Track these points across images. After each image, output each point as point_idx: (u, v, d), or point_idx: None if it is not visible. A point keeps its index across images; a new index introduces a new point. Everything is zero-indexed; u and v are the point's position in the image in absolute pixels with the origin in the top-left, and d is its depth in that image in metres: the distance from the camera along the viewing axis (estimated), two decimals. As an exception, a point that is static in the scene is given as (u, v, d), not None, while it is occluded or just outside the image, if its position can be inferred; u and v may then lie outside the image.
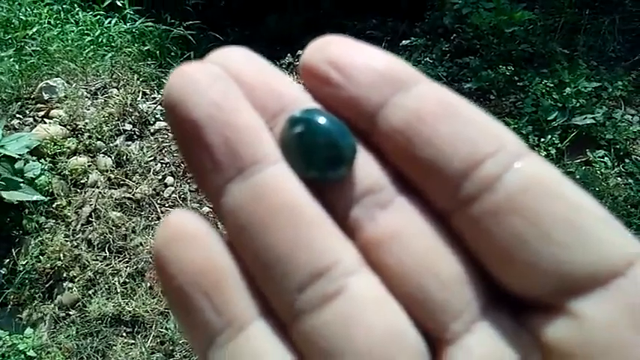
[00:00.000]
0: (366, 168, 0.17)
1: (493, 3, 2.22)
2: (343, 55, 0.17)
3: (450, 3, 2.36)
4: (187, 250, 0.16)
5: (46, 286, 1.59)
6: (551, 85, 1.94)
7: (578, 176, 1.70)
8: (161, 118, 1.93)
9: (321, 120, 0.16)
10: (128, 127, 1.89)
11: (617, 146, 1.79)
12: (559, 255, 0.14)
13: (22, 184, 1.53)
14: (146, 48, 2.27)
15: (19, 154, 1.61)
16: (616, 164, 1.75)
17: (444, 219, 0.16)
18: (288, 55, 2.35)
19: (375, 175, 0.17)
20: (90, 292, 1.58)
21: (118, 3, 2.41)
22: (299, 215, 0.16)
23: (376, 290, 0.15)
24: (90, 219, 1.68)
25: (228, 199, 0.16)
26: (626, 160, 1.76)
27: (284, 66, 2.32)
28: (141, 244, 1.63)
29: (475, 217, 0.15)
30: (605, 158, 1.75)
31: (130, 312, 1.53)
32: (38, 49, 2.14)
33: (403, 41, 2.46)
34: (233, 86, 0.17)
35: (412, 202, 0.16)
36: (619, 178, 1.72)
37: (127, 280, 1.59)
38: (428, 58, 2.34)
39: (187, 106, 0.16)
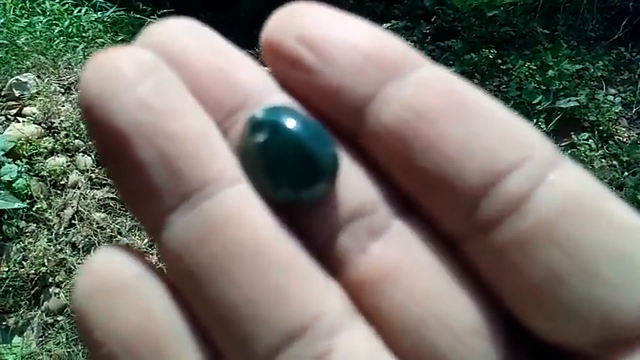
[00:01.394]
0: (352, 183, 0.13)
1: (473, -16, 2.20)
2: (318, 28, 0.13)
3: (429, -16, 2.34)
4: (117, 305, 0.12)
5: (32, 292, 1.55)
6: (534, 67, 1.94)
7: (564, 159, 1.72)
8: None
9: (291, 123, 0.13)
10: (107, 123, 1.83)
11: (601, 127, 1.81)
12: (606, 297, 0.11)
13: (0, 190, 1.47)
14: (120, 38, 2.19)
15: (-6, 158, 1.54)
16: (600, 146, 1.77)
17: (454, 247, 0.13)
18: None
19: (364, 192, 0.13)
20: (77, 296, 1.54)
21: (87, -11, 2.31)
22: (267, 254, 0.12)
23: (371, 349, 0.12)
24: (73, 221, 1.63)
25: (169, 235, 0.12)
26: (610, 142, 1.78)
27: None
28: (127, 245, 1.60)
29: (496, 247, 0.12)
30: (590, 140, 1.77)
31: (120, 315, 1.51)
32: (5, 42, 2.04)
33: (383, 24, 2.43)
34: (170, 78, 0.13)
35: (413, 226, 0.13)
36: (603, 160, 1.74)
37: (116, 283, 1.56)
38: (409, 41, 2.32)
39: (107, 109, 0.12)
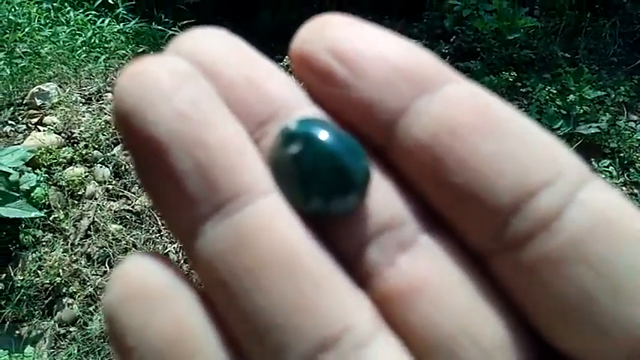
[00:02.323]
0: (382, 196, 0.13)
1: (494, 5, 2.19)
2: (349, 40, 0.13)
3: (449, 4, 2.33)
4: (150, 313, 0.12)
5: (45, 302, 1.55)
6: (555, 91, 1.93)
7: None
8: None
9: (324, 135, 0.13)
10: (126, 135, 1.84)
11: (622, 155, 1.79)
12: (636, 316, 0.11)
13: (18, 199, 1.48)
14: (141, 50, 2.22)
15: (14, 167, 1.55)
16: (620, 173, 1.75)
17: (482, 262, 0.12)
18: (287, 56, 2.32)
19: (394, 205, 0.13)
20: (91, 308, 1.54)
21: (110, 1, 2.34)
22: (299, 266, 0.12)
23: None
24: (89, 232, 1.64)
25: (203, 244, 0.12)
26: (631, 170, 1.76)
27: (282, 66, 2.29)
28: (158, 253, 1.60)
29: (526, 265, 0.12)
30: (610, 167, 1.75)
31: (132, 329, 1.50)
32: (29, 50, 2.07)
33: (402, 42, 2.43)
34: (206, 88, 0.13)
35: (440, 240, 0.13)
36: (624, 188, 1.72)
37: (129, 296, 1.56)
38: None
39: (144, 119, 0.12)
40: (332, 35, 0.13)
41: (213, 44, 0.14)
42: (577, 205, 0.12)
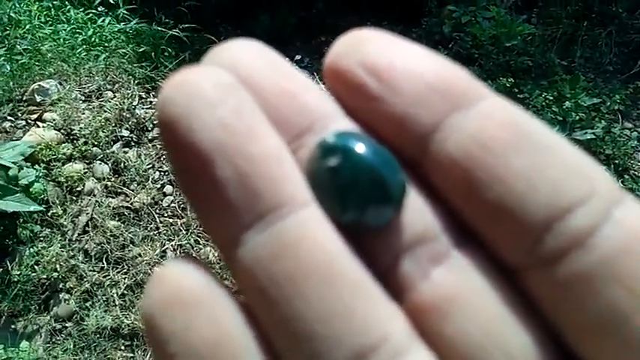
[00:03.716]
0: (416, 210, 0.13)
1: (492, 12, 2.22)
2: (383, 55, 0.13)
3: (448, 11, 2.36)
4: (190, 319, 0.12)
5: (42, 297, 1.55)
6: (551, 98, 1.95)
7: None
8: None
9: (363, 149, 0.13)
10: (125, 133, 1.84)
11: (616, 161, 1.81)
12: None
13: (17, 193, 1.48)
14: (141, 49, 2.22)
15: (13, 162, 1.56)
16: (615, 180, 1.76)
17: (514, 277, 0.13)
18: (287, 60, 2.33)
19: (427, 219, 0.13)
20: (87, 304, 1.54)
21: (111, 0, 2.34)
22: (338, 275, 0.12)
23: None
24: (86, 228, 1.64)
25: (244, 252, 0.12)
26: (625, 176, 1.78)
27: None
28: (139, 254, 1.60)
29: (559, 281, 0.12)
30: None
31: (128, 325, 1.50)
32: (29, 48, 2.08)
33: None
34: (248, 99, 0.13)
35: (473, 254, 0.13)
36: (618, 194, 1.73)
37: (126, 292, 1.56)
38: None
39: (190, 128, 0.12)
40: (366, 50, 0.13)
41: (249, 56, 0.14)
42: (612, 223, 0.12)
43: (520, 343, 0.12)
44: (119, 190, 1.72)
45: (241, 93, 0.13)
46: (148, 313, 0.13)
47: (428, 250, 0.13)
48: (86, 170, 1.74)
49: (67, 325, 1.53)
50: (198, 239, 1.62)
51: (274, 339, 0.12)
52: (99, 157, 1.77)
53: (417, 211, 0.13)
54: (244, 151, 0.12)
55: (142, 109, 1.93)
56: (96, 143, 1.79)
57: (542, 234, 0.12)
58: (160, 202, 1.72)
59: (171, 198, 1.73)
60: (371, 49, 0.13)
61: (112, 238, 1.62)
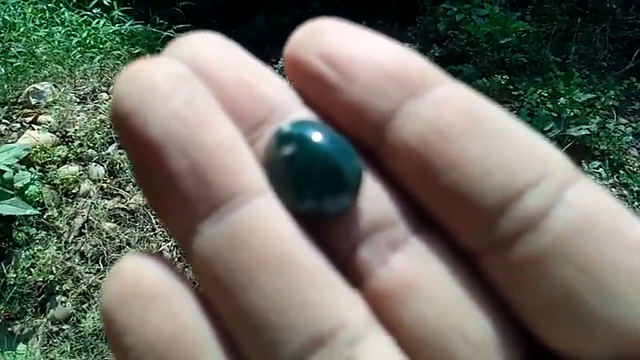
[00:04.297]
0: (373, 197, 0.13)
1: (486, 10, 2.22)
2: (341, 46, 0.13)
3: (443, 9, 2.36)
4: (148, 312, 0.12)
5: (38, 300, 1.55)
6: (546, 94, 1.95)
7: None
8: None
9: (318, 137, 0.13)
10: (120, 134, 1.84)
11: (611, 157, 1.81)
12: (622, 315, 0.11)
13: (13, 196, 1.48)
14: (136, 51, 2.22)
15: (8, 165, 1.55)
16: (610, 175, 1.77)
17: (471, 261, 0.13)
18: (281, 59, 2.33)
19: (385, 206, 0.13)
20: (84, 306, 1.54)
21: (106, 2, 2.34)
22: (293, 264, 0.12)
23: (392, 358, 0.12)
24: (82, 230, 1.64)
25: (200, 243, 0.12)
26: (620, 171, 1.78)
27: (276, 70, 2.30)
28: (155, 253, 1.60)
29: (513, 264, 0.12)
30: (600, 169, 1.77)
31: (125, 326, 1.50)
32: (24, 50, 2.07)
33: (396, 46, 2.45)
34: (202, 90, 0.13)
35: (430, 240, 0.13)
36: (613, 189, 1.74)
37: (122, 294, 1.55)
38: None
39: (141, 119, 0.12)
40: (324, 40, 0.14)
41: (208, 48, 0.14)
42: (564, 204, 0.12)
43: (478, 326, 0.12)
44: (115, 192, 1.72)
45: (194, 84, 0.13)
46: (105, 307, 0.13)
47: (386, 237, 0.13)
48: (81, 172, 1.74)
49: (63, 327, 1.53)
50: (195, 240, 1.62)
51: (232, 329, 0.12)
52: (94, 159, 1.77)
53: (374, 198, 0.13)
54: (197, 142, 0.12)
55: (137, 110, 1.93)
56: (91, 145, 1.79)
57: (496, 217, 0.12)
58: (155, 203, 1.71)
59: (167, 199, 1.72)
60: (329, 39, 0.14)
61: (108, 240, 1.62)
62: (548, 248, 0.12)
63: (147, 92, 0.12)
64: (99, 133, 1.81)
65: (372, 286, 0.13)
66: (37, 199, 1.63)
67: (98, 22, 2.28)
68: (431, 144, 0.13)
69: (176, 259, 1.54)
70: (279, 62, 2.32)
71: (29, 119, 1.86)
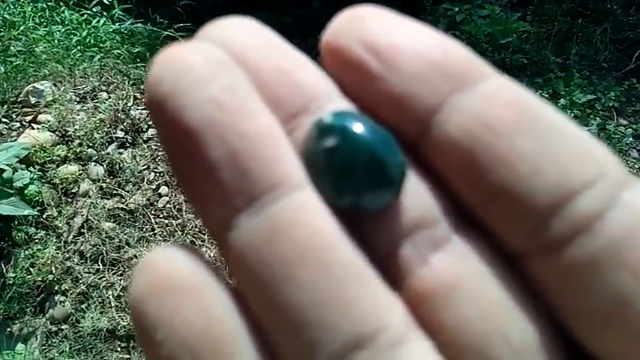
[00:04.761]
0: (415, 193, 0.13)
1: (487, 11, 2.22)
2: (383, 33, 0.13)
3: (443, 9, 2.36)
4: (179, 306, 0.12)
5: (37, 299, 1.55)
6: (546, 95, 1.95)
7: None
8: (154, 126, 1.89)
9: (361, 129, 0.12)
10: (120, 134, 1.84)
11: (611, 158, 1.80)
12: None
13: (12, 196, 1.48)
14: (136, 50, 2.22)
15: (8, 164, 1.55)
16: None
17: (515, 263, 0.12)
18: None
19: (427, 203, 0.13)
20: (83, 306, 1.54)
21: (106, 1, 2.34)
22: (333, 262, 0.11)
23: None
24: (82, 230, 1.64)
25: (236, 236, 0.12)
26: (620, 173, 1.78)
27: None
28: (135, 256, 1.60)
29: (565, 268, 0.11)
30: (600, 171, 1.77)
31: (124, 327, 1.50)
32: (23, 49, 2.07)
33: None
34: (241, 76, 0.12)
35: (474, 239, 0.13)
36: (613, 191, 1.74)
37: (122, 294, 1.55)
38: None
39: (179, 105, 0.12)
40: (365, 27, 0.13)
41: (243, 33, 0.13)
42: (620, 206, 0.11)
43: (521, 329, 0.12)
44: (114, 192, 1.72)
45: (234, 69, 0.12)
46: (135, 300, 0.12)
47: (427, 235, 0.13)
48: (81, 172, 1.73)
49: (62, 327, 1.53)
50: (194, 240, 1.62)
51: (267, 327, 0.12)
52: (94, 159, 1.77)
53: (416, 195, 0.13)
54: (236, 130, 0.12)
55: (137, 110, 1.93)
56: (91, 145, 1.79)
57: (547, 218, 0.11)
58: (155, 203, 1.72)
59: (167, 199, 1.73)
60: (370, 27, 0.13)
61: (107, 240, 1.62)
62: (602, 252, 0.11)
63: (185, 76, 0.12)
64: (98, 133, 1.81)
65: (412, 286, 0.12)
66: (37, 198, 1.63)
67: (98, 21, 2.27)
68: (478, 138, 0.12)
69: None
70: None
71: (29, 118, 1.86)
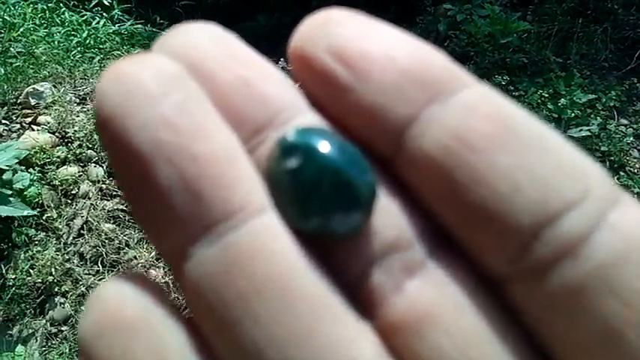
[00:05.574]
0: (388, 215, 0.12)
1: (487, 11, 2.21)
2: (354, 40, 0.12)
3: (444, 9, 2.36)
4: (129, 345, 0.11)
5: (37, 301, 1.55)
6: (546, 95, 1.95)
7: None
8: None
9: (326, 147, 0.11)
10: (120, 135, 1.84)
11: (612, 158, 1.80)
12: None
13: (11, 198, 1.48)
14: (136, 51, 2.22)
15: (8, 165, 1.55)
16: (611, 177, 1.76)
17: (497, 289, 0.11)
18: (281, 59, 2.33)
19: (400, 224, 0.12)
20: (82, 307, 1.54)
21: (105, 2, 2.34)
22: (296, 293, 0.11)
23: None
24: (81, 231, 1.64)
25: (192, 266, 0.11)
26: (621, 173, 1.78)
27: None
28: (135, 257, 1.60)
29: (548, 294, 0.10)
30: (601, 171, 1.76)
31: (124, 328, 1.50)
32: (23, 51, 2.07)
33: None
34: (196, 92, 0.11)
35: (451, 263, 0.12)
36: (614, 191, 1.73)
37: (121, 295, 1.55)
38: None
39: (127, 126, 0.11)
40: (334, 33, 0.12)
41: (204, 41, 0.12)
42: (607, 228, 0.10)
43: None
44: (114, 193, 1.72)
45: (188, 85, 0.11)
46: (83, 338, 0.11)
47: (401, 260, 0.12)
48: (81, 173, 1.73)
49: (62, 328, 1.53)
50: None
51: None
52: (94, 160, 1.77)
53: (388, 216, 0.12)
54: (189, 152, 0.11)
55: (137, 111, 1.92)
56: (90, 146, 1.78)
57: (529, 241, 0.11)
58: (155, 204, 1.71)
59: (167, 200, 1.72)
60: (339, 32, 0.12)
61: (107, 241, 1.62)
62: (588, 278, 0.10)
63: (133, 95, 0.11)
64: (100, 139, 1.80)
65: (385, 315, 0.11)
66: (37, 200, 1.63)
67: (98, 22, 2.27)
68: (455, 155, 0.11)
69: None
70: (280, 62, 2.31)
71: (28, 120, 1.86)
